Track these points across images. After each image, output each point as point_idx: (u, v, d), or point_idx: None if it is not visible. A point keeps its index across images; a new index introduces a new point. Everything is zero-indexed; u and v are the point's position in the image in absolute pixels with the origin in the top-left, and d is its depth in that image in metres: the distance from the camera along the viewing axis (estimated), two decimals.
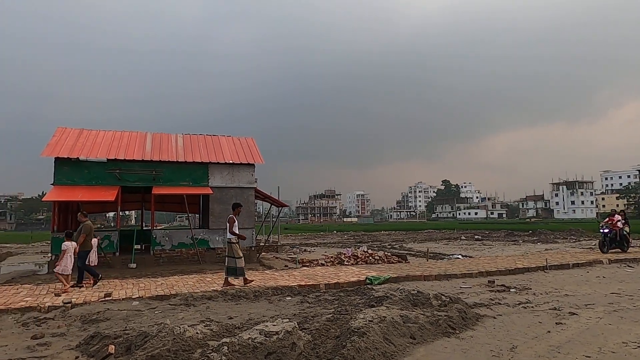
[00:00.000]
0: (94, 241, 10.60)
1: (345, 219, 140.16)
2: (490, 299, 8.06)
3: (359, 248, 18.01)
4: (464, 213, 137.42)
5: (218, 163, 15.50)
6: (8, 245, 31.53)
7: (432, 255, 17.08)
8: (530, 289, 9.05)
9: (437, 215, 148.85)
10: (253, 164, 15.99)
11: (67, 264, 9.26)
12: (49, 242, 30.77)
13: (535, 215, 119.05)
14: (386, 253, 16.13)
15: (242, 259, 9.54)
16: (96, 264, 10.64)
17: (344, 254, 15.52)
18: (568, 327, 5.96)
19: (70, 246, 9.50)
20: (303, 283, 9.57)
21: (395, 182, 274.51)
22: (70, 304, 7.63)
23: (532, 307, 7.29)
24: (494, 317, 6.57)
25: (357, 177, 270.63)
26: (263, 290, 8.81)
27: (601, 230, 15.90)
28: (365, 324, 5.06)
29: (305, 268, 12.92)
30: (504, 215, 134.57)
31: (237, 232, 9.63)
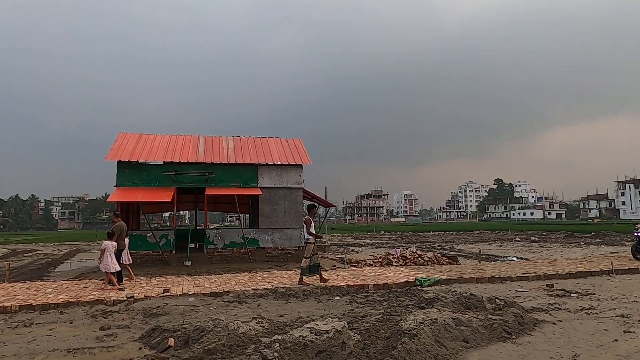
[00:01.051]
0: (126, 240, 10.84)
1: (392, 219, 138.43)
2: (549, 303, 7.67)
3: (407, 249, 17.75)
4: (519, 213, 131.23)
5: (267, 164, 15.87)
6: (76, 242, 34.00)
7: (484, 257, 16.49)
8: (594, 294, 8.51)
9: (489, 215, 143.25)
10: (301, 165, 16.22)
11: (108, 262, 9.53)
12: None
13: (598, 215, 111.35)
14: (436, 254, 15.77)
15: (309, 259, 9.74)
16: (130, 262, 10.87)
17: (393, 254, 15.35)
18: (638, 336, 5.56)
19: (109, 245, 9.73)
20: (351, 283, 9.58)
21: (444, 182, 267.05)
22: (133, 299, 8.12)
23: (597, 313, 6.86)
24: (554, 323, 6.25)
25: (404, 176, 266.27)
26: (312, 289, 8.92)
27: (636, 234, 14.12)
28: (416, 326, 5.00)
29: (353, 268, 12.92)
30: (563, 216, 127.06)
31: (313, 232, 9.90)
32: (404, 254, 15.12)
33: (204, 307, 7.76)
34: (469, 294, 7.00)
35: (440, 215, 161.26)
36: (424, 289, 8.93)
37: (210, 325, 5.36)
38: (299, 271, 10.00)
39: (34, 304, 7.70)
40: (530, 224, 72.41)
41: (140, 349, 5.40)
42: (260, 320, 6.02)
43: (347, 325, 5.13)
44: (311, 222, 9.92)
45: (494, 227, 55.13)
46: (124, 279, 10.14)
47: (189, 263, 14.26)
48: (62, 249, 26.59)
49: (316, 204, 10.83)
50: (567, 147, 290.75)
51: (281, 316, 6.91)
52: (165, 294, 8.59)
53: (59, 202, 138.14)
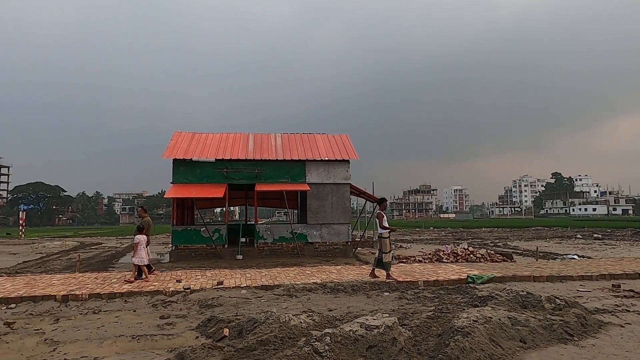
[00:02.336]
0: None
1: (442, 215, 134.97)
2: (616, 305, 7.18)
3: (458, 245, 17.26)
4: (579, 209, 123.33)
5: (314, 160, 16.01)
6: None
7: (541, 254, 15.70)
8: None
9: (547, 211, 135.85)
10: (348, 160, 16.22)
11: (142, 255, 9.86)
12: (169, 234, 34.65)
13: None
14: (489, 251, 15.22)
15: (389, 254, 9.75)
16: (150, 256, 10.89)
17: (443, 251, 14.99)
18: None
19: (142, 239, 10.00)
20: (401, 279, 9.48)
21: (496, 176, 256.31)
22: (189, 290, 8.52)
23: None
24: (622, 326, 5.86)
25: (454, 171, 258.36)
26: (361, 284, 8.92)
27: None
28: (470, 324, 4.87)
29: (402, 264, 12.76)
30: (631, 212, 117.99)
31: (387, 226, 9.86)
32: (455, 251, 14.73)
33: (256, 299, 7.98)
34: (525, 293, 6.71)
35: (492, 211, 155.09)
36: (476, 286, 8.66)
37: (262, 317, 5.51)
38: (371, 265, 10.12)
39: (102, 293, 8.28)
40: (593, 220, 67.94)
41: (197, 337, 5.66)
42: (310, 313, 6.11)
43: (397, 321, 5.09)
44: (383, 216, 9.87)
45: (551, 223, 52.27)
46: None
47: (240, 257, 14.71)
48: (124, 242, 28.31)
49: (386, 198, 10.78)
50: (634, 138, 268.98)
51: (330, 310, 6.97)
52: (219, 286, 8.92)
53: (120, 198, 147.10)
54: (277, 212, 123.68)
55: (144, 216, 10.73)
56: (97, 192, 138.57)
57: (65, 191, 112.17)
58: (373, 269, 10.01)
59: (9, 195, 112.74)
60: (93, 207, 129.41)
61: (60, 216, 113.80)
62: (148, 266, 10.15)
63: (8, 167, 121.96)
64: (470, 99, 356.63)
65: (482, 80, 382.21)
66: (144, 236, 10.14)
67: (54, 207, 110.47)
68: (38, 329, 6.13)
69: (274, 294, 8.36)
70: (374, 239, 22.41)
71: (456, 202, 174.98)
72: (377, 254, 10.05)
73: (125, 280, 9.66)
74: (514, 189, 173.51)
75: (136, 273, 9.91)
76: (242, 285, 8.95)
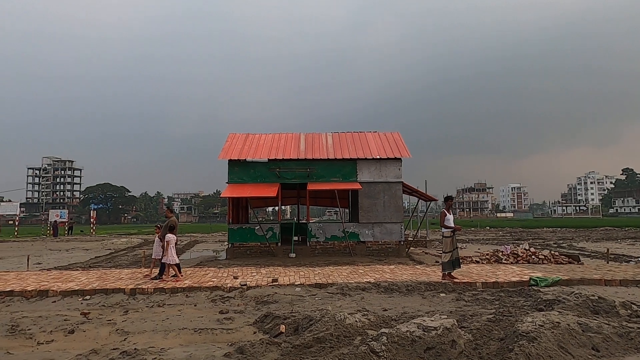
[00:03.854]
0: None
1: (498, 214, 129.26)
2: None
3: (519, 246, 16.44)
4: None
5: (366, 159, 15.92)
6: (194, 234, 37.71)
7: (613, 256, 14.57)
8: None
9: (616, 210, 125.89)
10: (400, 158, 15.96)
11: (173, 254, 9.72)
12: (224, 232, 36.00)
13: None
14: (552, 252, 14.35)
15: (450, 253, 9.42)
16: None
17: (502, 251, 14.34)
18: None
19: (172, 238, 9.87)
20: (457, 280, 9.19)
21: (558, 172, 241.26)
22: (246, 286, 8.77)
23: None
24: None
25: (511, 168, 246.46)
26: (415, 285, 8.75)
27: None
28: (536, 329, 4.62)
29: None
30: None
31: (450, 224, 9.53)
32: (515, 251, 14.04)
33: (310, 297, 8.07)
34: (597, 297, 6.26)
35: (554, 210, 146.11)
36: (540, 289, 8.20)
37: (318, 315, 5.56)
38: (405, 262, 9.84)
39: (165, 288, 8.74)
40: None
41: (254, 333, 5.81)
42: (365, 313, 6.08)
43: (456, 323, 4.94)
44: (446, 215, 9.58)
45: (623, 223, 48.35)
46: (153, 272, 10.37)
47: (293, 255, 14.94)
48: (183, 239, 29.70)
49: (452, 196, 10.45)
50: None
51: (385, 310, 6.90)
52: (273, 283, 9.11)
53: (178, 198, 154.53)
54: (328, 211, 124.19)
55: (170, 216, 10.73)
56: (158, 192, 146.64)
57: (130, 192, 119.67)
58: (443, 274, 9.55)
59: (81, 195, 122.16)
60: (154, 207, 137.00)
61: (126, 215, 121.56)
62: (177, 265, 10.06)
63: (80, 170, 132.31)
64: (531, 90, 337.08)
65: (545, 69, 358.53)
66: (174, 235, 10.06)
67: (120, 206, 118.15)
68: (110, 320, 6.58)
69: (327, 293, 8.41)
70: (427, 238, 21.89)
71: (514, 201, 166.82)
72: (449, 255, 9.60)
73: (150, 278, 9.83)
74: (578, 187, 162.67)
75: (157, 271, 9.97)
76: (296, 283, 9.07)
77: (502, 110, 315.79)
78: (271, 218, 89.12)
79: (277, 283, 9.12)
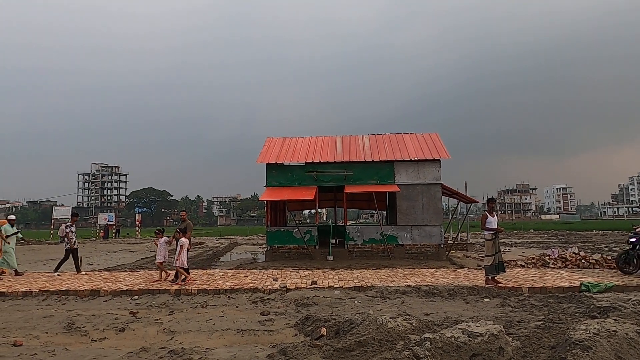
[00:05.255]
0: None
1: (543, 216, 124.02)
2: None
3: (567, 249, 15.69)
4: None
5: (403, 160, 15.72)
6: (233, 237, 38.52)
7: None
8: None
9: None
10: (439, 160, 15.65)
11: (184, 258, 9.73)
12: (262, 235, 36.53)
13: None
14: (604, 256, 13.58)
15: (492, 257, 9.18)
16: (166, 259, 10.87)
17: (549, 255, 13.73)
18: None
19: (185, 242, 9.88)
20: (502, 285, 8.88)
21: (608, 172, 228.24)
22: (285, 289, 8.87)
23: None
24: None
25: (556, 168, 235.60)
26: (458, 289, 8.54)
27: (632, 239, 10.54)
28: (590, 337, 4.38)
29: None
30: None
31: (492, 227, 9.27)
32: (563, 255, 13.40)
33: (349, 300, 8.04)
34: None
35: (604, 212, 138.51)
36: (593, 295, 7.79)
37: (359, 319, 5.53)
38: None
39: (208, 289, 8.97)
40: None
41: (296, 335, 5.86)
42: (407, 317, 5.99)
43: (503, 330, 4.77)
44: (487, 217, 9.34)
45: None
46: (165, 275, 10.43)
47: (331, 258, 14.95)
48: (223, 242, 30.41)
49: (494, 198, 10.17)
50: None
51: (427, 315, 6.77)
52: (313, 285, 9.15)
53: (217, 201, 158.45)
54: (364, 214, 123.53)
55: (185, 219, 10.83)
56: (198, 195, 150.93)
57: (172, 195, 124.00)
58: (487, 278, 9.27)
59: (126, 199, 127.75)
60: (195, 210, 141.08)
61: (168, 218, 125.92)
62: (186, 270, 10.06)
63: (126, 175, 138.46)
64: (576, 85, 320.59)
65: (594, 60, 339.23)
66: (187, 240, 10.07)
67: (163, 209, 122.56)
68: (157, 319, 6.83)
69: (367, 296, 8.35)
70: (468, 242, 21.30)
71: (559, 202, 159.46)
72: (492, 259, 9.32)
73: (157, 280, 10.04)
74: (631, 187, 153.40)
75: (173, 275, 10.11)
76: (335, 286, 9.07)
77: (546, 107, 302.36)
78: (307, 221, 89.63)
79: (316, 286, 9.15)
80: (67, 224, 12.36)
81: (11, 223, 12.04)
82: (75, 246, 11.95)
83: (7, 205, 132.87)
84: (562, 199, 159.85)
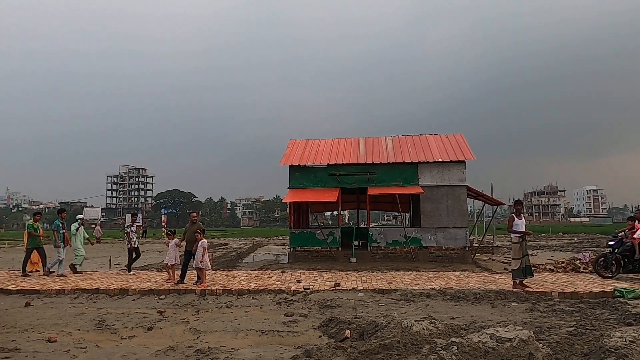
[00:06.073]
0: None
1: (572, 219, 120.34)
2: None
3: (599, 253, 15.15)
4: None
5: (427, 162, 15.54)
6: (256, 238, 38.89)
7: None
8: None
9: None
10: (464, 161, 15.41)
11: (207, 259, 9.72)
12: (285, 236, 36.74)
13: None
14: None
15: (519, 260, 8.98)
16: (179, 262, 10.85)
17: (579, 259, 13.32)
18: None
19: (206, 243, 9.86)
20: (530, 289, 8.66)
21: None
22: (309, 290, 8.88)
23: None
24: None
25: (585, 169, 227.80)
26: (484, 293, 8.37)
27: (611, 242, 10.48)
28: (626, 345, 4.22)
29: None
30: None
31: (519, 230, 9.09)
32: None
33: (373, 302, 8.00)
34: None
35: None
36: (627, 301, 7.50)
37: (383, 321, 5.49)
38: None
39: (233, 289, 9.08)
40: None
41: (320, 336, 5.86)
42: (433, 320, 5.91)
43: (533, 335, 4.65)
44: (514, 219, 9.13)
45: None
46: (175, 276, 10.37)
47: (354, 260, 14.90)
48: (246, 243, 30.72)
49: (521, 200, 9.95)
50: None
51: (452, 318, 6.66)
52: (336, 287, 9.14)
53: (240, 203, 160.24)
54: (387, 216, 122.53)
55: (196, 220, 10.75)
56: (221, 197, 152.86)
57: (196, 197, 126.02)
58: (514, 282, 9.05)
59: (152, 201, 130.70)
60: (218, 211, 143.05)
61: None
62: (182, 272, 10.05)
63: (152, 177, 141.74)
64: (611, 77, 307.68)
65: (630, 52, 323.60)
66: (206, 241, 9.98)
67: (187, 211, 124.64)
68: (183, 319, 6.95)
69: (391, 299, 8.29)
70: (494, 244, 20.86)
71: (590, 205, 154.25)
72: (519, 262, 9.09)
73: (203, 284, 9.84)
74: None
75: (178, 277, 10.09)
76: (358, 288, 9.03)
77: (576, 104, 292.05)
78: (329, 222, 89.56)
79: (339, 287, 9.13)
80: (128, 224, 12.77)
81: (80, 223, 12.50)
82: (135, 245, 12.19)
83: (41, 206, 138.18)
84: (593, 201, 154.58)
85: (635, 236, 10.21)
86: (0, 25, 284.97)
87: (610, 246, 10.50)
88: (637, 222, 10.57)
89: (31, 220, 12.73)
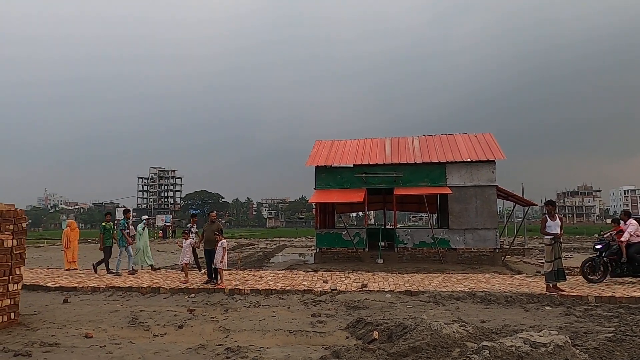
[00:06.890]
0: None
1: (608, 220, 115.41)
2: None
3: None
4: None
5: (455, 162, 15.28)
6: (282, 238, 39.16)
7: None
8: None
9: None
10: (493, 161, 15.06)
11: (226, 260, 9.73)
12: (310, 237, 36.88)
13: None
14: None
15: (552, 263, 8.64)
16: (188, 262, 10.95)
17: None
18: None
19: (226, 244, 9.84)
20: (565, 293, 8.37)
21: None
22: (336, 291, 8.87)
23: None
24: None
25: (623, 168, 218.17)
26: (516, 296, 8.15)
27: (598, 246, 10.15)
28: None
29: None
30: None
31: (552, 231, 8.75)
32: None
33: (401, 304, 7.91)
34: None
35: None
36: None
37: (412, 324, 5.42)
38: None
39: (260, 289, 9.17)
40: None
41: (347, 337, 5.84)
42: (463, 323, 5.80)
43: (569, 341, 4.49)
44: (547, 221, 8.84)
45: None
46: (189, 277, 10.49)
47: (380, 261, 14.80)
48: (272, 243, 31.00)
49: (554, 200, 9.65)
50: None
51: (483, 322, 6.51)
52: (363, 288, 9.09)
53: (266, 203, 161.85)
54: (413, 216, 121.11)
55: (215, 220, 10.81)
56: (248, 198, 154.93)
57: (224, 197, 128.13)
58: (547, 285, 8.74)
59: (181, 201, 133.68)
60: (245, 212, 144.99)
61: (220, 220, 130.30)
62: (198, 267, 10.26)
63: (181, 178, 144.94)
64: None
65: None
66: (225, 241, 10.00)
67: (215, 211, 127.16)
68: (213, 317, 7.07)
69: (419, 300, 8.18)
70: (525, 246, 20.30)
71: (627, 205, 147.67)
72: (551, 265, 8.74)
73: (221, 285, 9.88)
74: None
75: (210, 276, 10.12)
76: (386, 290, 8.96)
77: (611, 102, 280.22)
78: (355, 223, 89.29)
79: (366, 289, 9.08)
80: (189, 225, 13.07)
81: (146, 223, 13.01)
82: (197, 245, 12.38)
83: (76, 207, 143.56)
84: (631, 202, 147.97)
85: (622, 238, 9.82)
86: (40, 35, 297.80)
87: (597, 250, 10.14)
88: (622, 223, 10.16)
89: (105, 222, 12.61)
